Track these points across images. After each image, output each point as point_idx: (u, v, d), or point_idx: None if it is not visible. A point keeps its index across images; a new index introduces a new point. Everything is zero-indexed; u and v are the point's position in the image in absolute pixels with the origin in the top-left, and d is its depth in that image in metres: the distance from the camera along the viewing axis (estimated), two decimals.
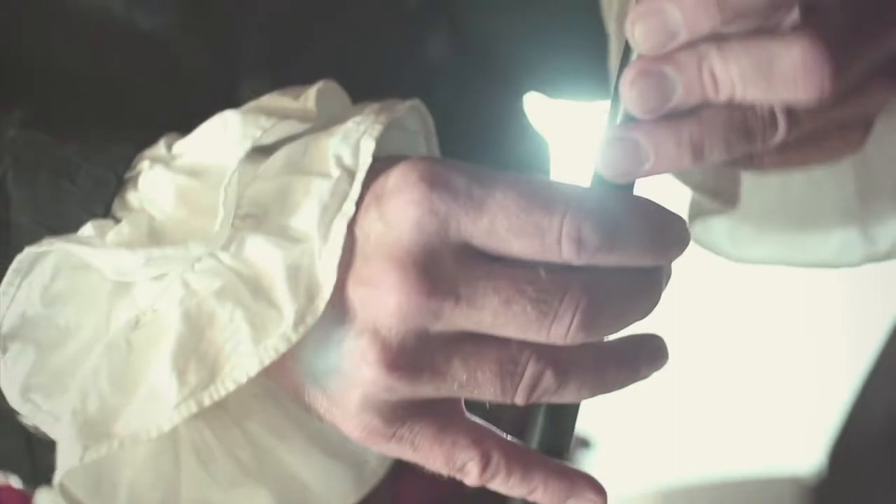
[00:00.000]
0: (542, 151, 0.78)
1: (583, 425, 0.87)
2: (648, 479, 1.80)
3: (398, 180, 0.46)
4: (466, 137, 0.65)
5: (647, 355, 0.50)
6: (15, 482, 0.70)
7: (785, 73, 0.44)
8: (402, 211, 0.46)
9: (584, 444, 0.86)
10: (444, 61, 0.68)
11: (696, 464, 1.79)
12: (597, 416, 1.71)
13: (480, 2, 0.68)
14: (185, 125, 0.52)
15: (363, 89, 0.54)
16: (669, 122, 0.46)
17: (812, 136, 0.49)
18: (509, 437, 0.50)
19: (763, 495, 1.74)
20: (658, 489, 1.80)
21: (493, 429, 0.49)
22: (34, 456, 0.68)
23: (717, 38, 0.45)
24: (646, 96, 0.45)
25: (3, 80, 0.59)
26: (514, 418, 0.51)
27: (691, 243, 0.49)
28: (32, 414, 0.50)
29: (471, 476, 0.49)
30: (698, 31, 0.44)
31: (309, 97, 0.52)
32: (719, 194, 0.62)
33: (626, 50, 0.46)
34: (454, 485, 0.75)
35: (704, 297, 1.85)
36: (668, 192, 0.63)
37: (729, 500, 1.76)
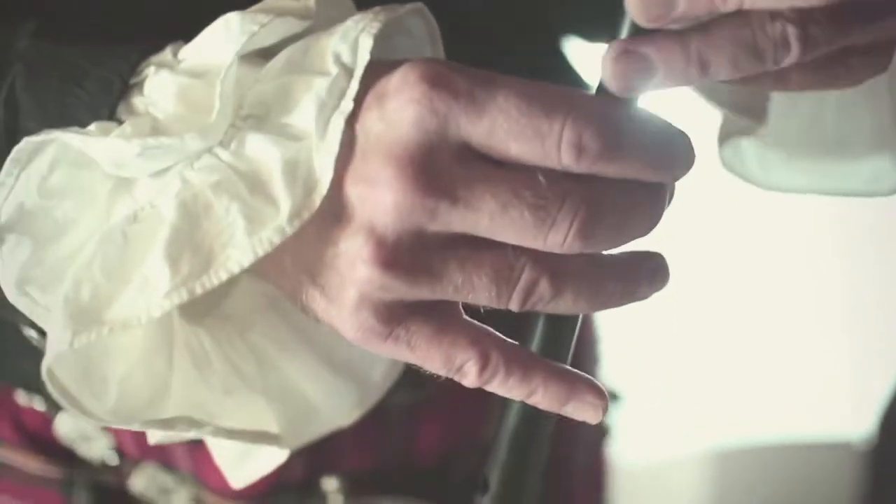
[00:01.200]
0: None
1: (618, 380, 0.86)
2: (698, 443, 1.79)
3: (399, 80, 0.46)
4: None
5: (647, 273, 0.49)
6: (38, 404, 0.71)
7: None
8: (401, 109, 0.45)
9: (612, 396, 0.85)
10: (481, 3, 0.67)
11: (746, 429, 1.78)
12: (648, 378, 1.71)
13: None
14: (193, 33, 0.52)
15: None
16: (677, 35, 0.45)
17: (831, 58, 0.48)
18: (511, 341, 0.49)
19: (813, 461, 1.72)
20: (707, 453, 1.79)
21: (492, 330, 0.49)
22: None
23: None
24: (650, 3, 0.44)
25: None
26: (508, 333, 0.50)
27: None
28: (28, 308, 0.50)
29: (469, 377, 0.48)
30: None
31: None
32: (747, 110, 0.61)
33: None
34: (471, 430, 0.75)
35: (762, 263, 1.83)
36: (696, 115, 0.62)
37: (779, 465, 1.75)
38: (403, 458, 0.73)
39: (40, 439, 0.72)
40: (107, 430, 0.71)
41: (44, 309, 0.50)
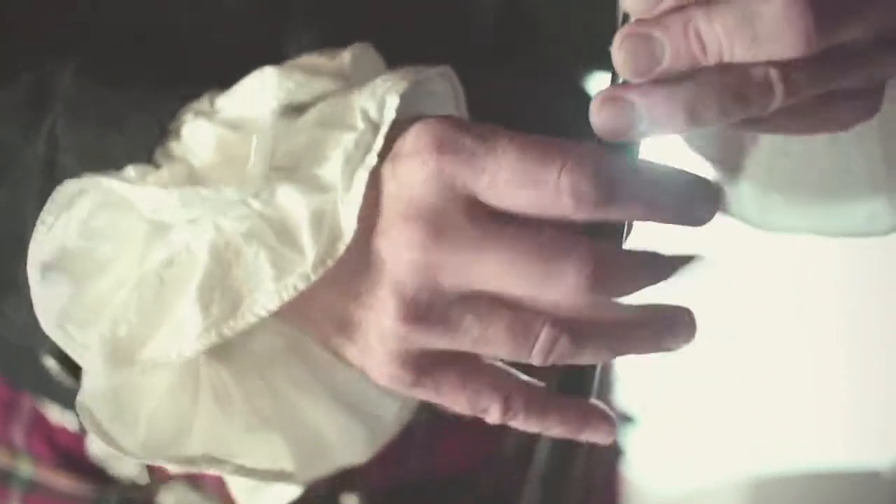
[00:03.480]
0: None
1: (634, 405, 0.88)
2: (725, 472, 1.79)
3: (411, 142, 0.49)
4: (520, 109, 0.66)
5: (671, 327, 0.50)
6: (70, 423, 0.74)
7: (768, 26, 0.45)
8: (412, 171, 0.48)
9: (628, 419, 0.87)
10: (489, 21, 0.69)
11: (775, 458, 1.78)
12: (670, 408, 1.71)
13: None
14: (232, 80, 0.55)
15: (414, 57, 0.56)
16: (664, 84, 0.47)
17: (818, 102, 0.49)
18: (528, 379, 0.52)
19: (844, 489, 1.72)
20: (735, 482, 1.79)
21: (512, 371, 0.52)
22: None
23: (707, 1, 0.46)
24: (634, 58, 0.46)
25: (60, 33, 0.62)
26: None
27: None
28: (64, 342, 0.53)
29: (492, 417, 0.52)
30: None
31: (345, 57, 0.55)
32: (721, 163, 0.63)
33: (624, 17, 0.47)
34: (491, 445, 0.77)
35: (786, 288, 1.83)
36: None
37: (808, 494, 1.74)
38: (423, 476, 0.75)
39: (73, 458, 0.75)
40: None
41: (79, 345, 0.52)
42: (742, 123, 0.51)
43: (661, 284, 0.50)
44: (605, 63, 0.78)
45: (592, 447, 0.57)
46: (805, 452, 1.78)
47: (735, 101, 0.46)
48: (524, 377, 0.52)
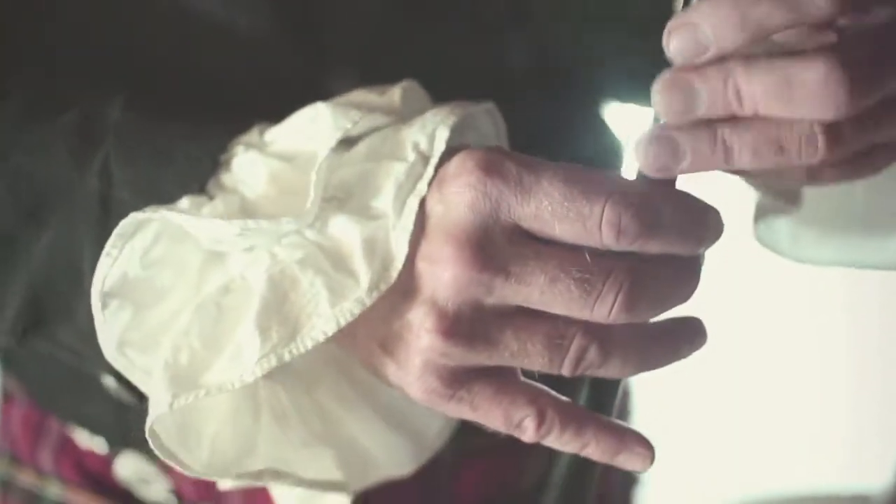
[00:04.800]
0: (620, 157, 0.81)
1: (649, 432, 0.89)
2: (715, 497, 1.80)
3: (457, 166, 0.51)
4: (545, 143, 0.68)
5: (687, 336, 0.54)
6: (98, 446, 0.75)
7: (804, 91, 0.47)
8: (459, 193, 0.51)
9: None
10: (525, 69, 0.72)
11: (765, 481, 1.80)
12: (676, 431, 1.73)
13: (561, 13, 0.72)
14: (274, 120, 0.57)
15: (445, 93, 0.59)
16: (708, 124, 0.49)
17: (860, 154, 0.52)
18: (565, 398, 0.54)
19: None
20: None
21: (547, 389, 0.54)
22: (121, 421, 0.72)
23: (747, 58, 0.48)
24: (672, 105, 0.49)
25: (107, 74, 0.65)
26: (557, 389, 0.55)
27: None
28: (126, 368, 0.55)
29: (528, 432, 0.53)
30: (725, 46, 0.48)
31: (394, 94, 0.57)
32: (782, 194, 0.65)
33: (666, 60, 0.50)
34: (511, 477, 0.78)
35: (779, 313, 1.85)
36: (729, 190, 0.66)
37: None
38: (447, 502, 0.76)
39: (101, 481, 0.76)
40: (166, 473, 0.75)
41: (139, 369, 0.55)
42: (783, 173, 0.53)
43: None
44: (629, 97, 0.80)
45: (606, 473, 0.58)
46: (796, 475, 1.80)
47: (772, 149, 0.49)
48: (560, 396, 0.54)
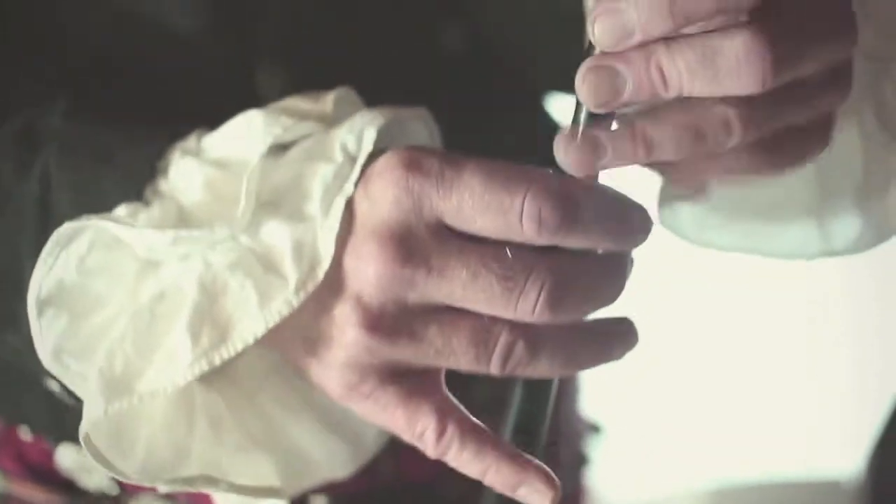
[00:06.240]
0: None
1: (600, 414, 0.90)
2: (687, 482, 1.81)
3: (382, 165, 0.53)
4: (480, 132, 0.68)
5: (618, 336, 0.55)
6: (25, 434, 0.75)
7: (728, 64, 0.47)
8: (383, 190, 0.52)
9: (594, 429, 0.89)
10: (460, 57, 0.72)
11: (735, 467, 1.80)
12: (635, 417, 1.73)
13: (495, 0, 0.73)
14: (205, 114, 0.58)
15: (380, 82, 0.60)
16: (626, 118, 0.50)
17: (771, 142, 0.53)
18: (475, 420, 0.55)
19: (803, 500, 1.74)
20: (697, 492, 1.81)
21: (460, 407, 0.55)
22: (61, 420, 0.73)
23: (668, 38, 0.49)
24: (598, 90, 0.49)
25: (45, 74, 0.65)
26: (490, 399, 0.57)
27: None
28: (63, 374, 0.56)
29: (427, 445, 0.54)
30: (651, 32, 0.48)
31: (327, 101, 0.58)
32: (690, 185, 0.66)
33: (588, 48, 0.50)
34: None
35: (748, 300, 1.86)
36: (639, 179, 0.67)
37: (768, 503, 1.76)
38: (391, 480, 0.77)
39: (42, 471, 0.76)
40: None
41: (76, 375, 0.55)
42: (698, 168, 0.53)
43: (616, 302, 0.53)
44: (566, 87, 0.80)
45: (556, 455, 0.58)
46: (765, 462, 1.81)
47: (692, 137, 0.50)
48: (474, 419, 0.54)
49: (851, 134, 0.62)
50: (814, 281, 1.86)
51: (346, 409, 0.61)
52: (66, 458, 0.75)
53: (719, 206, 0.66)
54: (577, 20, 0.74)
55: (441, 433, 0.53)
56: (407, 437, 0.55)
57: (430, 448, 0.54)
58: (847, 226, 0.65)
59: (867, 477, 1.50)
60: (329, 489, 0.72)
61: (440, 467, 0.78)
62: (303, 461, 0.62)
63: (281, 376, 0.61)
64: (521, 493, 0.54)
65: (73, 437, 0.73)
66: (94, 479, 0.75)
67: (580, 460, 0.89)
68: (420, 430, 0.54)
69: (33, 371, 0.67)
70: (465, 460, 0.54)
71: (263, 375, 0.61)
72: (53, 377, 0.66)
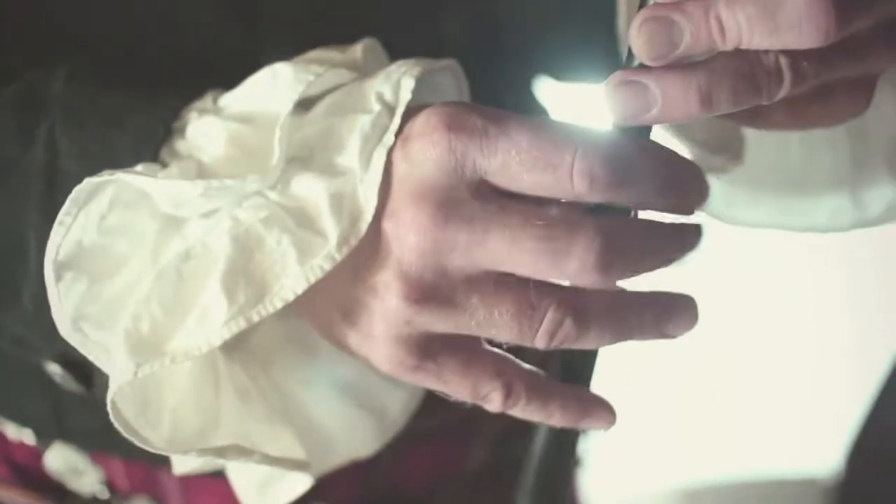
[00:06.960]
0: None
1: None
2: (665, 479, 1.81)
3: (422, 123, 0.50)
4: None
5: (674, 313, 0.52)
6: (28, 438, 0.73)
7: (790, 17, 0.46)
8: (423, 150, 0.49)
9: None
10: (460, 41, 0.70)
11: (714, 465, 1.81)
12: (623, 418, 1.73)
13: None
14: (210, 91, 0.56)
15: None
16: (679, 69, 0.48)
17: (818, 94, 0.51)
18: (530, 367, 0.53)
19: (781, 497, 1.74)
20: (675, 489, 1.82)
21: (514, 359, 0.53)
22: (56, 412, 0.71)
23: None
24: (654, 41, 0.47)
25: (45, 49, 0.63)
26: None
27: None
28: (81, 344, 0.53)
29: (494, 404, 0.53)
30: None
31: (356, 51, 0.57)
32: (723, 151, 0.64)
33: (642, 1, 0.49)
34: (455, 462, 0.78)
35: (725, 296, 1.86)
36: None
37: (746, 501, 1.77)
38: (389, 487, 0.76)
39: (31, 474, 0.75)
40: (97, 463, 0.73)
41: (95, 345, 0.53)
42: (744, 119, 0.51)
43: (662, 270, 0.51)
44: (569, 75, 0.79)
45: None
46: (742, 459, 1.81)
47: (748, 87, 0.48)
48: (526, 365, 0.53)
49: (884, 101, 0.61)
50: (788, 282, 1.86)
51: (369, 383, 0.60)
52: (56, 460, 0.73)
53: (749, 180, 0.65)
54: (580, 8, 0.73)
55: (508, 393, 0.52)
56: (470, 400, 0.53)
57: (496, 407, 0.52)
58: (881, 195, 0.63)
59: (845, 474, 1.51)
60: (329, 495, 0.71)
61: (437, 476, 0.78)
62: (324, 438, 0.60)
63: (295, 347, 0.59)
64: (584, 424, 0.53)
65: (69, 433, 0.72)
66: (85, 482, 0.74)
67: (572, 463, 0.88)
68: (485, 393, 0.52)
69: (30, 358, 0.66)
70: (532, 409, 0.53)
71: (274, 346, 0.59)
72: (56, 361, 0.65)
